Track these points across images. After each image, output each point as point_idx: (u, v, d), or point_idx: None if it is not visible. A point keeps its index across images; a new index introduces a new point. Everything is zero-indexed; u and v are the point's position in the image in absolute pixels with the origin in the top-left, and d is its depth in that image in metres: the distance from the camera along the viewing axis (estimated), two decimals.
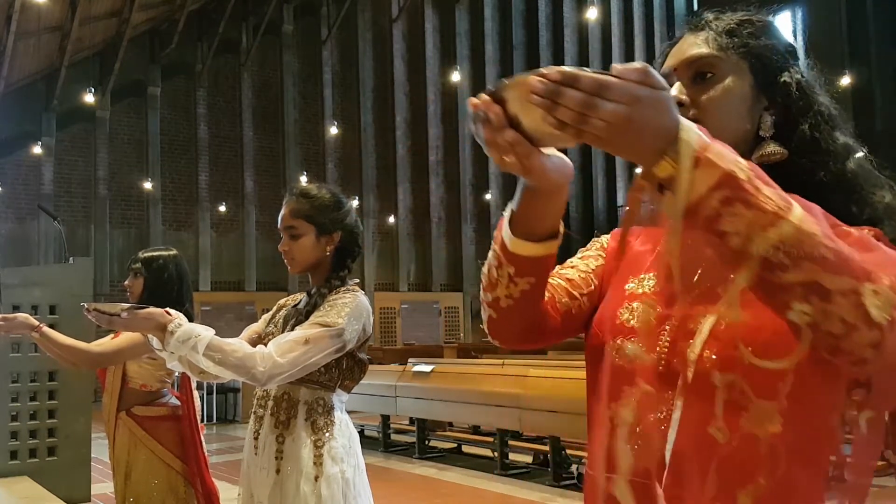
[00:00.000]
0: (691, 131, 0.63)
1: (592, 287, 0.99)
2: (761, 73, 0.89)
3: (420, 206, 17.57)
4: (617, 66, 0.62)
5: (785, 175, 0.85)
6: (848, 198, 0.84)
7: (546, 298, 0.95)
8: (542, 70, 0.62)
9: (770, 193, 0.63)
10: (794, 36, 18.13)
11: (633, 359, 0.87)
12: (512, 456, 6.28)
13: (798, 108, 0.88)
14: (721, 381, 0.79)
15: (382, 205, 16.93)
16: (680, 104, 0.86)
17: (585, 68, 0.62)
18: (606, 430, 0.89)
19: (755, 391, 0.77)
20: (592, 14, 17.80)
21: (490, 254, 0.90)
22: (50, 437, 3.77)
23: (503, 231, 0.86)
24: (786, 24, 18.57)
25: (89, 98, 13.05)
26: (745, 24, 0.91)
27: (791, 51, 0.92)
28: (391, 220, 16.90)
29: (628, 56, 21.04)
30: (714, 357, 0.80)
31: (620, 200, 18.92)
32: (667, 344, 0.86)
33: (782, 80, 0.89)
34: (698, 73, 0.89)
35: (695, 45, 0.90)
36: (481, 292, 0.94)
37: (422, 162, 17.64)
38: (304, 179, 14.16)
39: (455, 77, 16.90)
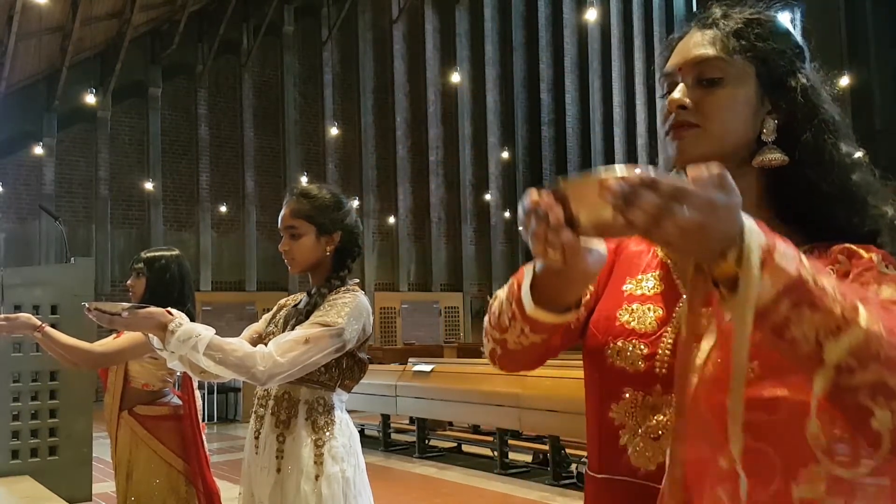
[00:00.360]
0: (755, 233, 0.62)
1: (588, 296, 0.98)
2: (767, 78, 0.87)
3: (420, 206, 17.57)
4: (695, 173, 0.62)
5: (786, 181, 0.86)
6: (850, 210, 0.83)
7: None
8: (620, 170, 0.62)
9: (836, 294, 0.61)
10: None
11: (634, 361, 0.87)
12: (512, 455, 6.29)
13: (803, 115, 0.86)
14: (727, 387, 0.77)
15: (382, 205, 16.94)
16: (682, 107, 0.85)
17: (664, 174, 0.61)
18: (607, 432, 0.89)
19: None
20: (592, 15, 17.81)
21: (503, 301, 0.89)
22: (51, 437, 3.78)
23: (522, 293, 0.84)
24: (785, 24, 18.57)
25: (90, 98, 13.06)
26: (754, 25, 0.88)
27: (799, 52, 0.91)
28: (391, 220, 16.91)
29: (628, 56, 21.05)
30: (720, 361, 0.78)
31: None
32: (669, 346, 0.85)
33: (788, 85, 0.87)
34: (704, 76, 0.86)
35: (702, 44, 0.87)
36: (487, 324, 0.93)
37: (422, 162, 17.64)
38: (304, 180, 14.17)
39: (455, 77, 16.90)
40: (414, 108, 17.71)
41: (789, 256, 0.62)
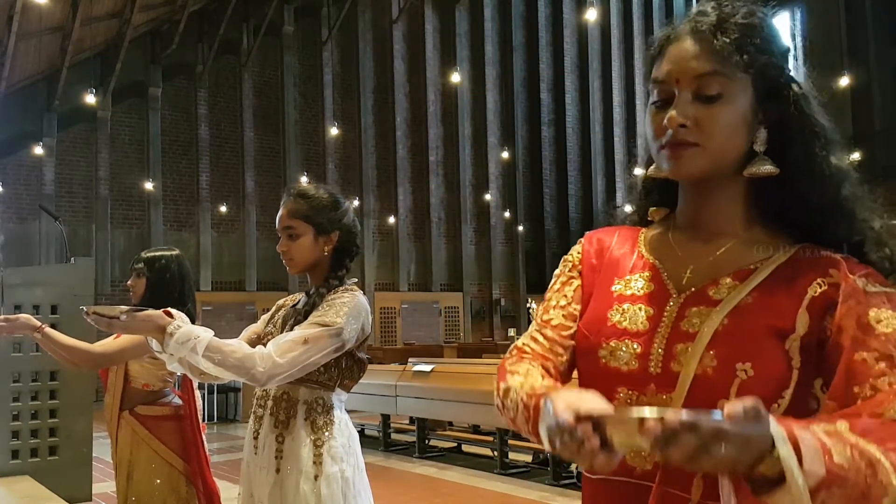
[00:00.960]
0: (785, 444, 0.65)
1: (577, 314, 0.99)
2: (762, 88, 0.87)
3: (420, 206, 17.57)
4: (730, 409, 0.64)
5: (777, 191, 0.87)
6: (839, 221, 0.84)
7: (549, 371, 0.96)
8: (660, 412, 0.64)
9: (855, 472, 0.66)
10: (794, 36, 18.12)
11: (627, 360, 0.88)
12: (512, 455, 6.29)
13: (794, 125, 0.86)
14: (721, 386, 0.80)
15: (382, 205, 16.94)
16: (682, 126, 0.84)
17: (701, 416, 0.63)
18: None
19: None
20: (592, 15, 17.79)
21: (518, 408, 0.90)
22: (51, 437, 3.78)
23: (540, 428, 0.79)
24: (785, 24, 18.56)
25: (90, 98, 13.05)
26: (752, 34, 0.85)
27: (786, 53, 0.90)
28: (391, 220, 16.91)
29: (628, 56, 21.05)
30: (716, 363, 0.81)
31: (619, 201, 18.91)
32: (662, 345, 0.86)
33: (781, 95, 0.87)
34: (703, 92, 0.85)
35: (701, 56, 0.85)
36: (499, 407, 0.96)
37: (422, 162, 17.64)
38: (304, 180, 14.15)
39: (455, 77, 16.89)
40: (414, 108, 17.71)
41: (816, 457, 0.65)
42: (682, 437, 0.62)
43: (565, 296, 1.01)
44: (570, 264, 1.04)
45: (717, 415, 0.63)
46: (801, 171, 0.85)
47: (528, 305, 18.43)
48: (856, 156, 15.10)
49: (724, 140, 0.85)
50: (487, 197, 18.19)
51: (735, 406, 0.64)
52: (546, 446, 0.72)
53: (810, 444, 0.66)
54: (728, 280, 0.86)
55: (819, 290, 0.81)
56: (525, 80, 19.53)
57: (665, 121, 0.85)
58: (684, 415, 0.63)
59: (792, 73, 0.89)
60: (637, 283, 0.93)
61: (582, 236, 1.07)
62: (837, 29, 15.72)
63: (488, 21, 18.89)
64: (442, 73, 17.84)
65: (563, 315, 0.99)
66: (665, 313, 0.88)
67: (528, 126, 19.45)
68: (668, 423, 0.62)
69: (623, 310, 0.91)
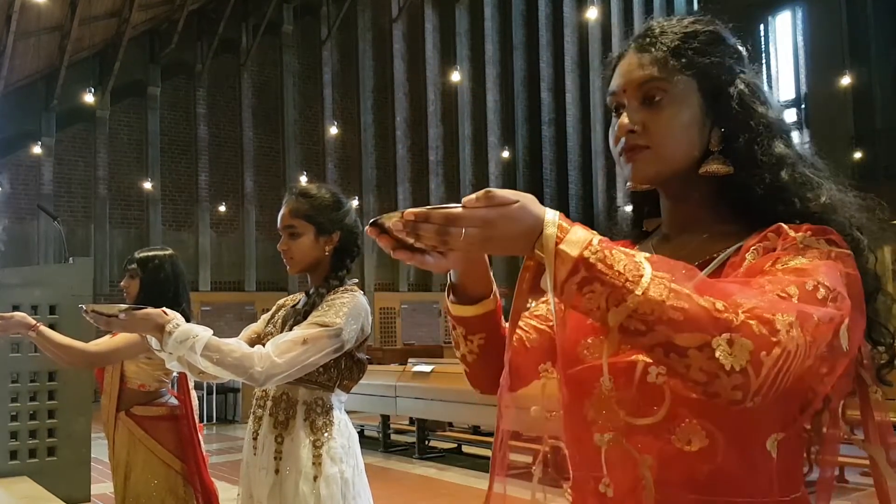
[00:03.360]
0: (551, 225, 0.72)
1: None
2: (709, 90, 0.90)
3: (420, 206, 17.28)
4: (466, 198, 0.73)
5: (733, 189, 0.90)
6: (785, 207, 0.87)
7: (516, 340, 1.01)
8: (403, 211, 0.75)
9: (621, 267, 0.70)
10: (794, 36, 18.13)
11: (600, 354, 0.90)
12: (512, 456, 6.28)
13: (738, 122, 0.90)
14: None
15: (382, 205, 16.93)
16: (631, 131, 0.90)
17: (441, 206, 0.74)
18: (582, 428, 0.92)
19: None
20: (592, 14, 17.79)
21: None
22: (50, 437, 3.77)
23: (447, 299, 0.97)
24: (786, 25, 18.57)
25: (89, 98, 13.04)
26: (691, 39, 0.91)
27: (737, 57, 0.93)
28: None
29: None
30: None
31: (620, 201, 18.93)
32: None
33: (727, 94, 0.90)
34: (647, 97, 0.90)
35: (642, 65, 0.91)
36: (454, 350, 1.04)
37: (422, 162, 17.64)
38: (304, 179, 14.15)
39: (455, 77, 16.90)
40: (414, 108, 17.71)
41: (577, 241, 0.71)
42: (420, 227, 0.73)
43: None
44: None
45: (456, 207, 0.73)
46: (742, 163, 0.89)
47: (528, 306, 18.43)
48: (857, 155, 15.08)
49: (672, 140, 0.89)
50: None
51: (469, 196, 0.73)
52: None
53: (577, 234, 0.72)
54: None
55: (757, 256, 0.84)
56: (525, 80, 19.53)
57: (616, 129, 0.92)
58: (424, 208, 0.74)
59: (742, 72, 0.93)
60: None
61: None
62: (839, 29, 15.73)
63: (488, 20, 18.89)
64: (442, 72, 17.84)
65: (547, 310, 1.05)
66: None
67: (529, 125, 19.46)
68: (405, 216, 0.74)
69: (588, 343, 0.94)
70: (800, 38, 17.79)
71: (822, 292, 0.74)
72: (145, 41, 14.38)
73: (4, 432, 3.66)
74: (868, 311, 0.83)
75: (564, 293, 0.72)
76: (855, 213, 0.87)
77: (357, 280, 2.00)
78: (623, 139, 0.91)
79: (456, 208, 0.73)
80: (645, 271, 0.70)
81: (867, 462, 0.85)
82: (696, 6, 20.66)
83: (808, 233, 0.81)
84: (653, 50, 0.91)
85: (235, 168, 15.33)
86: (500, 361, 0.95)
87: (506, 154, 18.48)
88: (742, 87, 0.91)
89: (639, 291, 0.68)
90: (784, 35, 18.59)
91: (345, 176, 16.39)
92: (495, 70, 19.02)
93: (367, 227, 0.78)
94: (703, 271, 0.87)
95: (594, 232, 0.74)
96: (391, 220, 0.76)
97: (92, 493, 3.97)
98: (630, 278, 0.69)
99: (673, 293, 0.69)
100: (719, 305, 0.69)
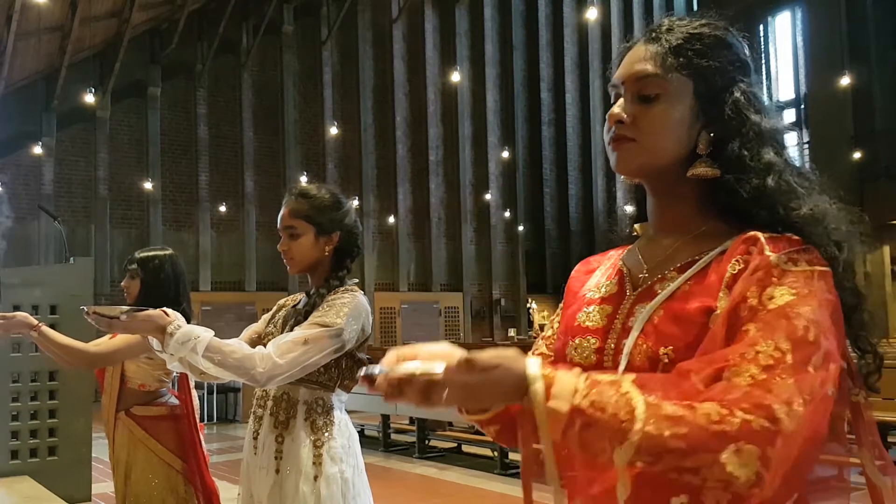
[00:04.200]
0: (536, 381, 0.75)
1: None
2: (704, 93, 0.91)
3: (420, 206, 17.56)
4: (446, 366, 0.76)
5: (720, 192, 0.91)
6: (769, 213, 0.88)
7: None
8: (387, 372, 0.79)
9: (613, 408, 0.72)
10: (794, 36, 18.13)
11: (588, 354, 0.93)
12: (512, 455, 6.28)
13: (731, 127, 0.91)
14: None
15: (382, 205, 16.93)
16: (620, 121, 0.92)
17: (419, 368, 0.77)
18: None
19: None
20: (592, 14, 17.78)
21: None
22: (50, 437, 3.77)
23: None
24: (786, 24, 18.56)
25: (89, 98, 13.04)
26: (694, 40, 0.92)
27: (739, 65, 0.94)
28: (391, 220, 16.90)
29: None
30: (647, 353, 0.86)
31: (620, 201, 18.88)
32: (614, 341, 0.92)
33: (722, 99, 0.91)
34: (642, 92, 0.91)
35: (642, 60, 0.92)
36: None
37: (422, 162, 17.64)
38: (304, 179, 14.15)
39: (455, 77, 16.89)
40: (414, 108, 17.70)
41: (563, 395, 0.74)
42: (404, 388, 0.76)
43: (558, 316, 1.11)
44: (567, 288, 1.12)
45: (439, 367, 0.76)
46: (732, 166, 0.90)
47: (528, 305, 18.44)
48: (857, 155, 15.05)
49: (659, 137, 0.91)
50: (487, 197, 18.18)
51: (451, 362, 0.76)
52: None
53: (563, 384, 0.74)
54: (673, 273, 0.91)
55: (738, 268, 0.84)
56: (525, 80, 19.52)
57: (607, 118, 0.94)
58: (408, 369, 0.77)
59: (742, 81, 0.93)
60: (604, 289, 0.99)
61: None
62: (838, 29, 15.71)
63: (488, 20, 18.88)
64: (442, 72, 17.83)
65: (552, 329, 1.10)
66: (619, 311, 0.94)
67: (529, 126, 19.44)
68: (390, 378, 0.78)
69: (589, 312, 0.98)
70: (799, 39, 17.77)
71: (812, 333, 0.76)
72: (146, 41, 14.38)
73: (5, 432, 3.67)
74: (853, 324, 0.85)
75: (567, 443, 0.75)
76: (841, 227, 0.87)
77: (357, 280, 2.01)
78: (613, 128, 0.93)
79: (437, 373, 0.76)
80: (637, 405, 0.72)
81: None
82: (695, 6, 20.65)
83: (785, 253, 0.82)
84: (656, 45, 0.93)
85: (235, 168, 15.33)
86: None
87: (506, 154, 18.47)
88: (738, 94, 0.92)
89: (637, 428, 0.71)
90: (784, 35, 18.58)
91: (345, 176, 16.38)
92: (495, 70, 19.01)
93: (360, 378, 0.84)
94: (688, 272, 0.89)
95: (577, 372, 0.76)
96: (379, 376, 0.81)
97: (92, 492, 3.98)
98: (624, 418, 0.71)
99: (669, 421, 0.70)
100: (714, 416, 0.70)
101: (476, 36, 18.69)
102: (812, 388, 0.72)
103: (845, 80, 14.28)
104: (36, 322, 2.32)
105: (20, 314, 2.33)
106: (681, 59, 0.91)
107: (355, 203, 15.24)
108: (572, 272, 1.11)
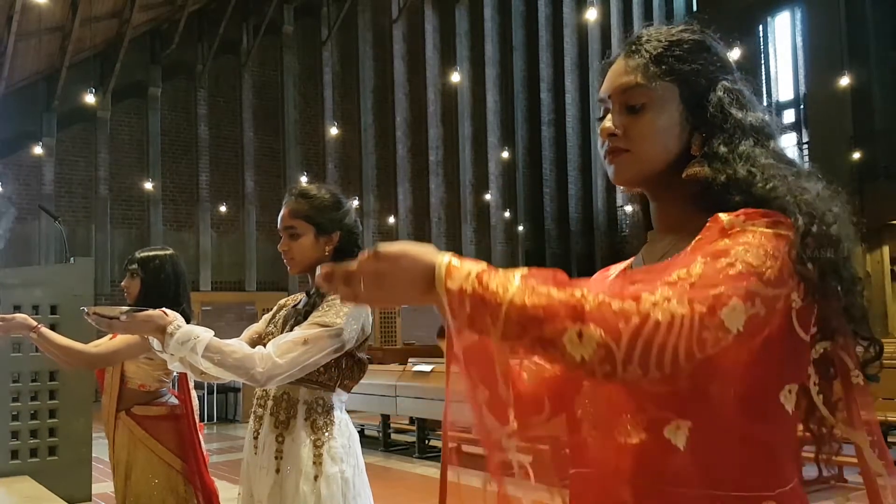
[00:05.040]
0: (441, 268, 0.79)
1: None
2: (690, 96, 0.93)
3: (420, 206, 17.56)
4: (360, 257, 0.82)
5: (714, 192, 0.91)
6: (743, 197, 0.88)
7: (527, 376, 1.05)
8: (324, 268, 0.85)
9: (494, 286, 0.76)
10: (794, 36, 18.13)
11: None
12: (510, 455, 6.28)
13: (714, 125, 0.93)
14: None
15: (382, 205, 16.93)
16: (612, 135, 0.94)
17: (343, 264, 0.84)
18: (573, 426, 0.95)
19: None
20: (592, 14, 17.79)
21: None
22: (51, 437, 3.78)
23: (438, 341, 1.04)
24: (786, 24, 18.56)
25: (90, 98, 13.05)
26: (674, 47, 0.94)
27: (720, 65, 0.96)
28: (391, 220, 16.90)
29: None
30: None
31: (620, 201, 18.92)
32: None
33: (707, 100, 0.93)
34: (628, 103, 0.94)
35: (626, 72, 0.94)
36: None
37: (422, 162, 17.64)
38: (304, 180, 14.16)
39: (455, 77, 16.89)
40: (414, 108, 17.70)
41: (458, 276, 0.78)
42: (333, 278, 0.83)
43: None
44: None
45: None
46: (717, 162, 0.91)
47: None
48: (856, 155, 15.03)
49: (651, 145, 0.93)
50: (487, 197, 18.18)
51: (362, 254, 0.82)
52: None
53: (463, 269, 0.79)
54: None
55: (695, 240, 0.86)
56: (525, 80, 19.52)
57: (600, 132, 0.96)
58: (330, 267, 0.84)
59: (725, 79, 0.95)
60: None
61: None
62: (838, 29, 15.71)
63: (488, 21, 18.88)
64: (442, 72, 17.84)
65: None
66: None
67: (528, 126, 19.44)
68: (323, 272, 0.83)
69: None
70: (799, 39, 17.77)
71: (738, 267, 0.77)
72: (146, 42, 14.38)
73: (6, 432, 3.67)
74: (854, 311, 0.84)
75: (460, 323, 0.78)
76: (829, 209, 0.86)
77: None
78: (607, 143, 0.96)
79: (352, 265, 0.82)
80: (513, 280, 0.76)
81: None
82: (695, 7, 20.66)
83: (742, 217, 0.83)
84: (636, 57, 0.95)
85: (236, 168, 15.33)
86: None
87: (506, 154, 18.47)
88: (721, 93, 0.94)
89: (507, 298, 0.75)
90: (783, 35, 18.58)
91: (345, 176, 16.38)
92: (495, 71, 19.01)
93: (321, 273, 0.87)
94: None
95: (484, 264, 0.80)
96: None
97: (93, 492, 3.98)
98: (499, 292, 0.76)
99: (536, 295, 0.75)
100: (578, 294, 0.75)
101: (476, 36, 18.69)
102: (703, 299, 0.74)
103: (845, 81, 14.28)
104: (35, 324, 2.33)
105: (20, 316, 2.34)
106: (663, 67, 0.93)
107: (355, 203, 15.25)
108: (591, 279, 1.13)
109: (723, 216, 0.84)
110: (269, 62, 15.89)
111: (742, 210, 0.84)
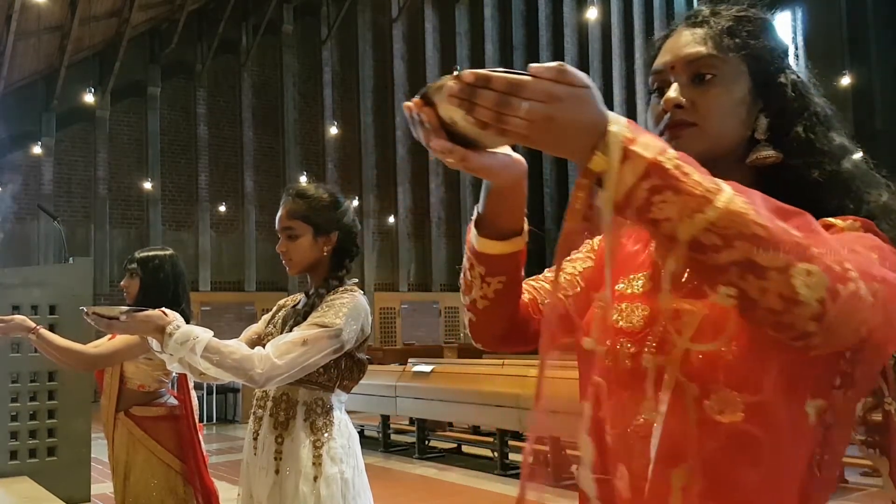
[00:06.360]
0: (619, 124, 0.65)
1: (578, 289, 0.98)
2: (759, 75, 0.87)
3: (420, 206, 17.56)
4: (533, 66, 0.64)
5: (781, 178, 0.86)
6: (843, 197, 0.83)
7: (527, 300, 0.97)
8: (460, 73, 0.63)
9: (699, 178, 0.64)
10: (794, 36, 18.13)
11: (622, 359, 0.86)
12: (512, 456, 6.28)
13: (793, 109, 0.87)
14: (664, 370, 0.80)
15: (382, 205, 16.93)
16: (679, 106, 0.85)
17: (502, 70, 0.63)
18: (598, 432, 0.90)
19: (694, 377, 0.78)
20: (592, 14, 17.79)
21: (464, 258, 0.92)
22: (50, 438, 3.77)
23: (471, 233, 0.89)
24: (786, 24, 18.57)
25: (89, 98, 13.04)
26: (744, 23, 0.88)
27: (784, 50, 0.91)
28: (391, 220, 16.90)
29: (628, 56, 21.05)
30: (702, 351, 0.79)
31: None
32: (654, 346, 0.85)
33: (779, 81, 0.87)
34: (697, 74, 0.86)
35: (694, 42, 0.87)
36: (461, 297, 0.96)
37: (422, 162, 17.64)
38: (303, 179, 14.14)
39: None
40: None
41: (651, 145, 0.64)
42: (479, 93, 0.62)
43: (574, 266, 1.03)
44: (590, 246, 1.04)
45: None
46: (799, 151, 0.85)
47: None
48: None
49: (721, 120, 0.85)
50: None
51: (540, 64, 0.65)
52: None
53: (650, 140, 0.65)
54: None
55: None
56: None
57: (661, 103, 0.87)
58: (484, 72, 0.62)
59: (788, 66, 0.90)
60: (638, 283, 0.92)
61: None
62: (838, 29, 15.73)
63: (488, 20, 18.89)
64: (442, 72, 17.71)
65: (563, 277, 1.00)
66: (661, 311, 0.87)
67: None
68: (463, 77, 0.63)
69: (621, 309, 0.90)
70: (799, 39, 17.79)
71: (877, 259, 0.71)
72: (145, 41, 14.39)
73: (4, 432, 3.66)
74: None
75: (631, 201, 0.64)
76: None
77: (357, 280, 2.00)
78: (668, 115, 0.86)
79: (523, 76, 0.63)
80: (724, 187, 0.65)
81: (867, 462, 0.83)
82: (695, 5, 20.65)
83: (858, 223, 0.77)
84: (706, 27, 0.88)
85: (235, 168, 15.33)
86: (510, 313, 0.93)
87: None
88: (794, 76, 0.89)
89: (720, 203, 0.63)
90: (783, 35, 18.57)
91: (345, 176, 16.39)
92: None
93: (413, 100, 0.67)
94: None
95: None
96: (441, 89, 0.64)
97: (92, 493, 3.97)
98: (710, 189, 0.64)
99: (755, 211, 0.64)
100: (798, 235, 0.64)
101: (476, 36, 18.70)
102: (880, 292, 0.66)
103: (845, 80, 14.29)
104: (34, 325, 2.33)
105: (18, 317, 2.33)
106: (736, 41, 0.86)
107: (355, 203, 15.25)
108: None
109: (837, 222, 0.78)
110: (268, 62, 15.89)
111: (853, 217, 0.79)
